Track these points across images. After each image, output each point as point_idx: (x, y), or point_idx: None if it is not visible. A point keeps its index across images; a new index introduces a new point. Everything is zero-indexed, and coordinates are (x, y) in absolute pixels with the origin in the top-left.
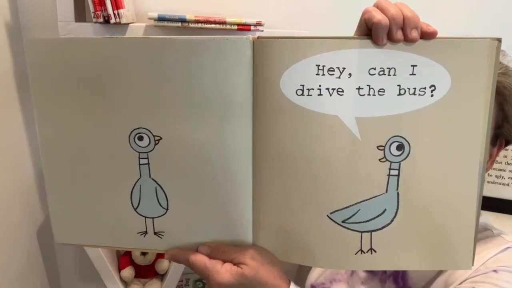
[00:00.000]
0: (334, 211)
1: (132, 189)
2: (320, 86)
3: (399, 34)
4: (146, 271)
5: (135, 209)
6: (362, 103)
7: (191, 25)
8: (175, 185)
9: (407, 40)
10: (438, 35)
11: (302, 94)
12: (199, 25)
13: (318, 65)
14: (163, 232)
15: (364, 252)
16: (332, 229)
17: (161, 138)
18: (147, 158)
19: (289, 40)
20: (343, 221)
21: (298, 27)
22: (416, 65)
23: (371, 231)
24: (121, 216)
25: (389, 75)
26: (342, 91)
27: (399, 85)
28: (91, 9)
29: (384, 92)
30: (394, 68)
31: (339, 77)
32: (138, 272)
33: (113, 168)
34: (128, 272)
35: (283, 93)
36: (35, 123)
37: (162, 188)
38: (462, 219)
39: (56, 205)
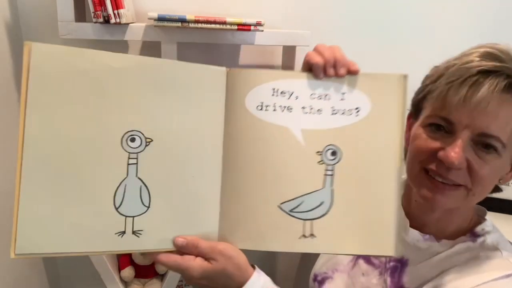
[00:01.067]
0: (283, 202)
1: (117, 188)
2: (274, 104)
3: (331, 71)
4: (146, 271)
5: (116, 209)
6: (306, 118)
7: (191, 25)
8: (160, 183)
9: (337, 75)
10: (364, 70)
11: (261, 109)
12: (199, 25)
13: (273, 89)
14: (141, 230)
15: (306, 237)
16: (282, 217)
17: (152, 140)
18: (136, 158)
19: (253, 70)
20: (290, 211)
21: (298, 27)
22: (345, 93)
23: (312, 219)
24: (101, 217)
25: (324, 99)
26: (291, 109)
27: (332, 107)
28: (91, 9)
29: (321, 111)
30: (328, 94)
31: (288, 98)
32: (138, 272)
33: (100, 168)
34: (128, 272)
35: (247, 108)
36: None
37: (146, 187)
38: (384, 213)
39: (29, 209)
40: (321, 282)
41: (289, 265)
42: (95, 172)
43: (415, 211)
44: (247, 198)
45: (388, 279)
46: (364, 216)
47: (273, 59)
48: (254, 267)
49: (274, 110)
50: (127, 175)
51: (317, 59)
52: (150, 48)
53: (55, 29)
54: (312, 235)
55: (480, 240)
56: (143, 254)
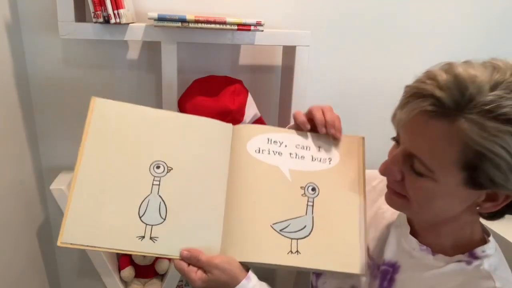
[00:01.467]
0: (275, 223)
1: (142, 201)
2: (269, 149)
3: (323, 130)
4: (146, 271)
5: (140, 217)
6: (292, 162)
7: (191, 25)
8: (175, 201)
9: (328, 133)
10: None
11: (258, 152)
12: (199, 25)
13: (268, 138)
14: (157, 237)
15: (292, 253)
16: (273, 235)
17: (172, 169)
18: (159, 181)
19: (254, 125)
20: (280, 230)
21: (298, 27)
22: (320, 146)
23: (297, 239)
24: (128, 222)
25: (306, 149)
26: (281, 154)
27: (312, 155)
28: (91, 9)
29: (304, 158)
30: (309, 146)
31: (279, 146)
32: (138, 272)
33: (132, 185)
34: (128, 272)
35: (248, 151)
36: (34, 123)
37: (164, 203)
38: (351, 239)
39: (77, 210)
40: (318, 275)
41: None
42: (128, 187)
43: (410, 219)
44: (246, 220)
45: (377, 282)
46: (336, 239)
47: (273, 59)
48: (246, 274)
49: (269, 153)
50: (151, 192)
51: (302, 121)
52: (150, 48)
53: (55, 29)
54: (297, 251)
55: (476, 263)
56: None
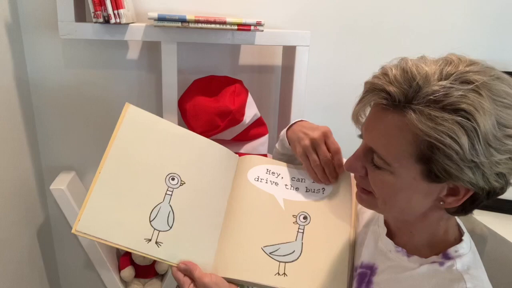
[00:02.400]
0: (265, 246)
1: (154, 207)
2: (266, 178)
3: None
4: (146, 271)
5: (150, 221)
6: (287, 192)
7: (191, 25)
8: (182, 213)
9: (331, 182)
10: (364, 70)
11: (257, 181)
12: (199, 25)
13: (267, 169)
14: (162, 243)
15: (280, 275)
16: (263, 257)
17: (184, 183)
18: (172, 191)
19: (257, 156)
20: (270, 253)
21: (298, 27)
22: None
23: (285, 262)
24: (139, 223)
25: (301, 181)
26: (277, 184)
27: (306, 187)
28: (91, 9)
29: (298, 189)
30: (304, 178)
31: (276, 177)
32: (138, 272)
33: (147, 192)
34: (128, 272)
35: (248, 179)
36: (34, 123)
37: (173, 213)
38: (339, 267)
39: (96, 202)
40: None
41: None
42: (144, 192)
43: (388, 220)
44: (239, 240)
45: (355, 285)
46: (324, 266)
47: (273, 59)
48: None
49: (266, 182)
50: (163, 200)
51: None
52: (150, 48)
53: (55, 29)
54: (284, 274)
55: (448, 264)
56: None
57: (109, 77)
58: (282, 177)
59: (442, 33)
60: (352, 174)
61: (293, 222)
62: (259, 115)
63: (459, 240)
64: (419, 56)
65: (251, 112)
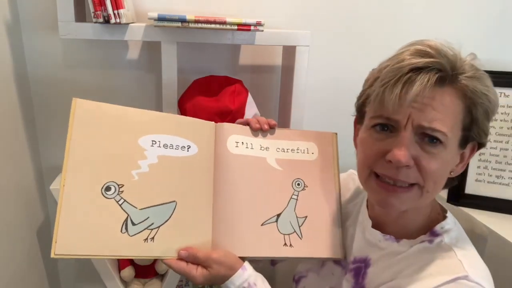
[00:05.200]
0: (264, 223)
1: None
2: (252, 143)
3: (257, 126)
4: (146, 271)
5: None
6: (278, 154)
7: (191, 25)
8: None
9: (263, 129)
10: (364, 70)
11: (237, 147)
12: (199, 25)
13: (251, 134)
14: (153, 239)
15: (287, 245)
16: (270, 229)
17: (159, 165)
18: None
19: (230, 124)
20: (264, 224)
21: (297, 27)
22: (300, 141)
23: (289, 234)
24: (119, 228)
25: (290, 143)
26: (268, 148)
27: (297, 147)
28: (91, 9)
29: (288, 150)
30: (292, 140)
31: (263, 141)
32: (138, 272)
33: None
34: (128, 272)
35: (227, 147)
36: (34, 123)
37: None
38: (330, 225)
39: (68, 218)
40: (298, 281)
41: (289, 266)
42: None
43: (375, 212)
44: (235, 218)
45: (352, 281)
46: (319, 230)
47: (273, 59)
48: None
49: (252, 148)
50: None
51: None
52: (150, 48)
53: (55, 29)
54: (291, 244)
55: (437, 240)
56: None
57: (109, 77)
58: (269, 141)
59: (442, 33)
60: (330, 138)
61: (290, 184)
62: (259, 115)
63: (443, 217)
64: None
65: (251, 112)
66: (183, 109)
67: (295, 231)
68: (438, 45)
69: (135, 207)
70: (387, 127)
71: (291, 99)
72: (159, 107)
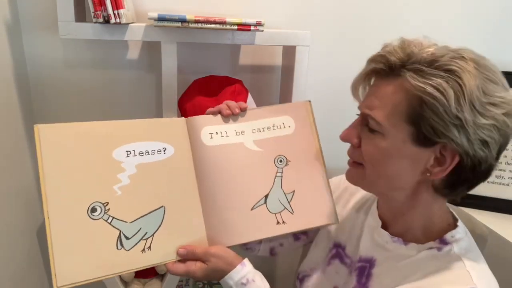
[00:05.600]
0: (253, 207)
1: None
2: (226, 131)
3: (228, 112)
4: (146, 271)
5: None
6: (255, 135)
7: (191, 25)
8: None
9: (234, 113)
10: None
11: (212, 138)
12: (199, 25)
13: (224, 122)
14: (150, 247)
15: (280, 223)
16: (261, 212)
17: (139, 174)
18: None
19: (200, 116)
20: (253, 208)
21: (297, 27)
22: (274, 116)
23: (280, 212)
24: (113, 246)
25: (264, 121)
26: (244, 132)
27: (273, 124)
28: (91, 9)
29: (264, 129)
30: (265, 118)
31: (237, 126)
32: (138, 272)
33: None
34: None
35: (202, 140)
36: (34, 123)
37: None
38: (321, 196)
39: (62, 249)
40: (302, 279)
41: (289, 266)
42: None
43: (380, 210)
44: (222, 209)
45: (355, 279)
46: (309, 201)
47: (273, 59)
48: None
49: (227, 136)
50: None
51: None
52: (150, 48)
53: (55, 29)
54: (283, 222)
55: (446, 249)
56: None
57: (109, 77)
58: (244, 123)
59: (442, 33)
60: (304, 107)
61: (271, 165)
62: None
63: (454, 226)
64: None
65: None
66: (183, 109)
67: (285, 207)
68: (402, 39)
69: (125, 221)
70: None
71: (291, 99)
72: (159, 107)
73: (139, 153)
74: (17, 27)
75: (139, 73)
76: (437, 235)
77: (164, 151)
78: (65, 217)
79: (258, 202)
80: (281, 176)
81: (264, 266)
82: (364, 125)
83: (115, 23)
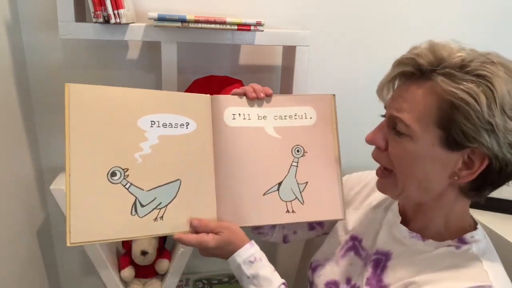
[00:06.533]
0: (266, 192)
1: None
2: (249, 114)
3: (253, 95)
4: (146, 271)
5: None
6: (276, 122)
7: (191, 25)
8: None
9: (259, 98)
10: (364, 69)
11: (234, 119)
12: (199, 25)
13: (248, 105)
14: (162, 217)
15: (289, 212)
16: (272, 198)
17: (160, 146)
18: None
19: (225, 96)
20: (266, 193)
21: (297, 27)
22: (297, 106)
23: (291, 201)
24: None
25: (286, 109)
26: (266, 117)
27: (295, 113)
28: (91, 9)
29: (286, 117)
30: (288, 106)
31: (260, 111)
32: (138, 272)
33: None
34: (128, 272)
35: (224, 120)
36: (34, 123)
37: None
38: (332, 191)
39: (78, 206)
40: (314, 269)
41: (289, 261)
42: None
43: (400, 206)
44: (237, 191)
45: (370, 270)
46: (320, 194)
47: (273, 59)
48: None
49: (249, 119)
50: None
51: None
52: (150, 48)
53: (55, 29)
54: (293, 211)
55: (465, 247)
56: (144, 254)
57: (109, 77)
58: (267, 109)
59: (442, 33)
60: (328, 100)
61: (288, 154)
62: None
63: (474, 227)
64: None
65: None
66: None
67: (296, 197)
68: (431, 43)
69: (142, 189)
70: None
71: None
72: None
73: (163, 125)
74: (17, 27)
75: (139, 73)
76: (456, 234)
77: (187, 126)
78: (85, 177)
79: (271, 188)
80: (297, 166)
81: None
82: (391, 127)
83: (115, 23)
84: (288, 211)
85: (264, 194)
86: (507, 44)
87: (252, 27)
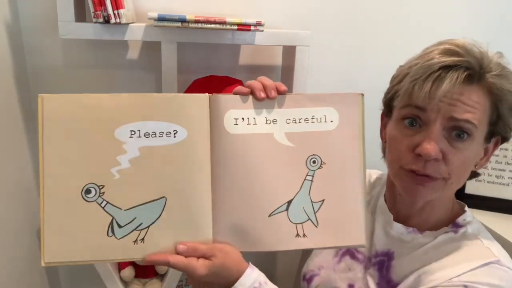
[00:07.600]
0: (272, 213)
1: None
2: (254, 118)
3: (261, 95)
4: (146, 271)
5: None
6: (288, 126)
7: (191, 25)
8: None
9: (270, 97)
10: (364, 69)
11: (236, 124)
12: (199, 25)
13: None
14: (144, 239)
15: (300, 236)
16: (280, 220)
17: (144, 157)
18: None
19: (227, 96)
20: (272, 214)
21: (297, 27)
22: (316, 106)
23: (302, 223)
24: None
25: (302, 108)
26: (276, 120)
27: (313, 116)
28: (91, 9)
29: (301, 120)
30: (304, 105)
31: (269, 113)
32: (138, 272)
33: None
34: (128, 272)
35: (224, 125)
36: (34, 123)
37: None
38: (354, 211)
39: (53, 223)
40: (309, 280)
41: (289, 265)
42: None
43: (399, 205)
44: (237, 210)
45: (377, 274)
46: (340, 214)
47: (273, 59)
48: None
49: (255, 124)
50: None
51: (255, 85)
52: (150, 48)
53: (55, 29)
54: (304, 235)
55: (462, 230)
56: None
57: (109, 77)
58: (278, 110)
59: (442, 33)
60: (354, 100)
61: (302, 166)
62: None
63: (462, 211)
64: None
65: None
66: None
67: (309, 218)
68: (466, 44)
69: (119, 208)
70: (416, 122)
71: None
72: None
73: (144, 134)
74: (17, 27)
75: (139, 73)
76: (449, 221)
77: (174, 134)
78: (58, 194)
79: (278, 208)
80: (311, 181)
81: (264, 266)
82: (448, 133)
83: (115, 23)
84: (298, 235)
85: (269, 215)
86: (507, 45)
87: (252, 27)
